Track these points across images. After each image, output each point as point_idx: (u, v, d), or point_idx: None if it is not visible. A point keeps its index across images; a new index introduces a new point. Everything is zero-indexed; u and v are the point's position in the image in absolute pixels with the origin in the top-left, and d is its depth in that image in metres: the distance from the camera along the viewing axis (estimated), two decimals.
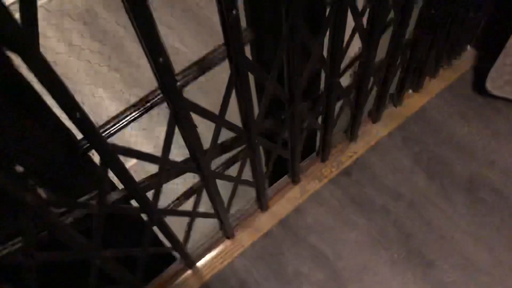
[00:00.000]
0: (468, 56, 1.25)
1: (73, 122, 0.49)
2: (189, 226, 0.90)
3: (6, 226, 0.62)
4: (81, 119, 0.48)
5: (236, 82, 0.65)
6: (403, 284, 0.98)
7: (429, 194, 1.07)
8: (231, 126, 0.73)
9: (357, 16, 0.75)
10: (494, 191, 1.07)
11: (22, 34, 0.36)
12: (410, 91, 1.21)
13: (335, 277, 0.99)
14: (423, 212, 1.05)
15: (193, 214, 0.86)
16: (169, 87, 0.55)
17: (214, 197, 0.85)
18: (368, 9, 0.77)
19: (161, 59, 0.50)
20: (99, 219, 0.65)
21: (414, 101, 1.19)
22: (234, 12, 0.53)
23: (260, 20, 0.69)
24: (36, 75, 0.41)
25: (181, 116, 0.61)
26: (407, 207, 1.06)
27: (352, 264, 1.00)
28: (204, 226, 1.08)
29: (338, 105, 0.99)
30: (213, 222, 1.09)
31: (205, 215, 0.90)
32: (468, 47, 1.25)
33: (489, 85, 1.13)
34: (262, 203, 1.05)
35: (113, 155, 0.58)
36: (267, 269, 1.01)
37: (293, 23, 0.64)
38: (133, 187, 0.65)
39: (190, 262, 1.00)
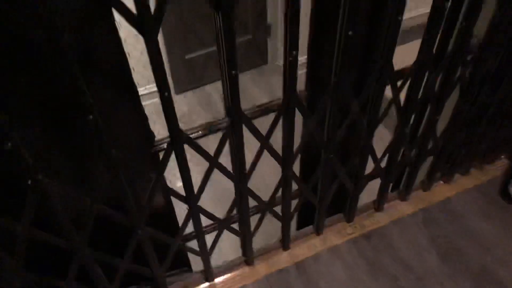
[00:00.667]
0: (501, 165, 1.35)
1: (161, 99, 0.68)
2: (217, 237, 1.04)
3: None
4: (167, 99, 0.68)
5: (284, 117, 0.83)
6: None
7: (438, 274, 1.15)
8: (273, 153, 0.89)
9: (395, 90, 0.92)
10: (501, 286, 1.12)
11: (152, 20, 0.56)
12: (441, 182, 1.32)
13: None
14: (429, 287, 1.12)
15: (221, 224, 1.01)
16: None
17: (244, 214, 0.99)
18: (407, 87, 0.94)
19: None
20: (152, 193, 0.82)
21: (442, 190, 1.30)
22: (233, 72, 0.71)
23: (316, 73, 0.88)
24: (150, 55, 0.62)
25: (236, 129, 0.79)
26: (415, 280, 1.14)
27: None
28: (226, 249, 1.21)
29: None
30: (235, 248, 1.23)
31: (232, 229, 1.04)
32: (503, 157, 1.36)
33: None
34: (284, 242, 1.18)
35: (181, 141, 0.76)
36: None
37: (339, 81, 0.82)
38: (188, 176, 0.82)
39: (209, 276, 1.12)
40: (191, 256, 1.33)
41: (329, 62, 0.82)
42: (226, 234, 1.07)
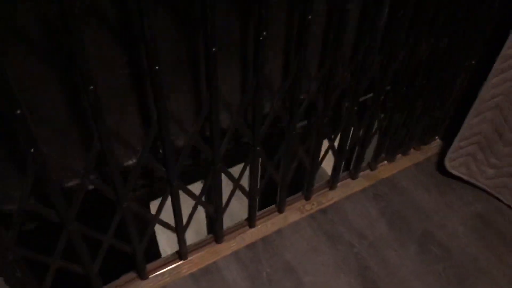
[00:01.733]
0: (436, 145, 1.54)
1: None
2: (192, 212, 1.13)
3: None
4: None
5: (254, 90, 0.95)
6: None
7: (387, 239, 1.30)
8: (242, 128, 1.00)
9: (345, 71, 1.06)
10: (441, 246, 1.29)
11: None
12: (385, 162, 1.48)
13: (299, 287, 1.19)
14: (381, 251, 1.27)
15: (199, 199, 1.10)
16: None
17: (218, 189, 1.09)
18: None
19: None
20: (138, 165, 0.91)
21: (386, 169, 1.47)
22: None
23: None
24: None
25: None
26: (368, 246, 1.28)
27: (316, 280, 1.20)
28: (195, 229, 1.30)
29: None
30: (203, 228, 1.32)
31: (206, 205, 1.13)
32: (437, 138, 1.55)
33: (447, 164, 1.41)
34: (251, 220, 1.28)
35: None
36: (245, 271, 1.21)
37: (299, 63, 0.95)
38: (170, 148, 0.91)
39: (183, 253, 1.20)
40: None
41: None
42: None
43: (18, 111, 0.69)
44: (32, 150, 0.74)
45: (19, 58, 0.72)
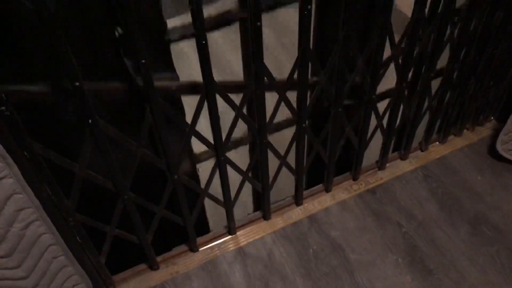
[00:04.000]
0: (491, 126, 1.49)
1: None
2: (240, 187, 1.16)
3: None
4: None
5: (299, 71, 0.96)
6: (401, 283, 1.16)
7: (437, 220, 1.27)
8: (289, 105, 1.02)
9: (393, 45, 1.05)
10: (494, 228, 1.25)
11: None
12: (437, 142, 1.45)
13: (346, 264, 1.19)
14: (430, 231, 1.25)
15: (246, 175, 1.13)
16: None
17: (264, 165, 1.12)
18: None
19: None
20: (187, 141, 0.94)
21: (438, 150, 1.44)
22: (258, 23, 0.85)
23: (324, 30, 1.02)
24: None
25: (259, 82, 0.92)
26: (417, 226, 1.26)
27: (362, 259, 1.20)
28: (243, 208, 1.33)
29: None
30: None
31: (253, 181, 1.16)
32: (492, 118, 1.49)
33: (499, 147, 1.35)
34: (297, 198, 1.30)
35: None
36: (291, 248, 1.23)
37: (346, 38, 0.95)
38: (218, 125, 0.94)
39: (232, 229, 1.24)
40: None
41: (336, 20, 0.96)
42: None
43: (77, 83, 0.74)
44: (90, 121, 0.80)
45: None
